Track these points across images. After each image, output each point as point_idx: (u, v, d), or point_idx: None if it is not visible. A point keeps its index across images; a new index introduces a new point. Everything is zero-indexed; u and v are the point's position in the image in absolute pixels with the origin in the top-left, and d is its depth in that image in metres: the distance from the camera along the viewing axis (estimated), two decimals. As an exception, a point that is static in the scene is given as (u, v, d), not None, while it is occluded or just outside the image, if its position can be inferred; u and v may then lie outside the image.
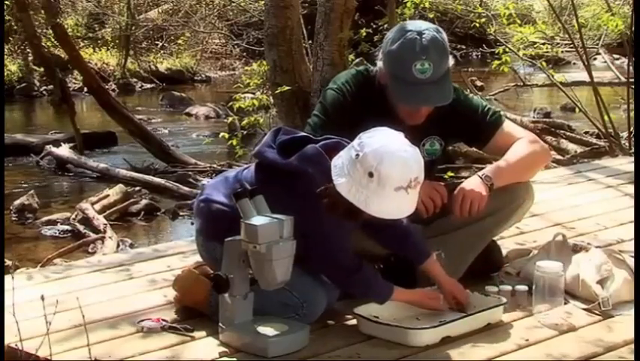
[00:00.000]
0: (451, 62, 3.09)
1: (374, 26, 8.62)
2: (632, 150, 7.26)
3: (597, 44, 11.38)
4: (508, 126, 3.23)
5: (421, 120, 3.07)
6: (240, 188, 2.75)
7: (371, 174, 2.50)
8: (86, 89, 12.20)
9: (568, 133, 9.13)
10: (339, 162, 2.59)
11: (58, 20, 10.96)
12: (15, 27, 12.68)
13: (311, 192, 2.61)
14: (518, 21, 8.85)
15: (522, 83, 10.09)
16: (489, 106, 3.26)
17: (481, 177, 3.06)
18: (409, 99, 3.01)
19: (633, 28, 7.00)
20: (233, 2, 16.71)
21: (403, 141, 2.58)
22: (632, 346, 2.69)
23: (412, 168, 2.54)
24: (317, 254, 2.73)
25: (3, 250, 5.32)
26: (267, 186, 2.72)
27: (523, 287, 3.03)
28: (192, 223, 6.52)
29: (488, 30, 9.77)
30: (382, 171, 2.49)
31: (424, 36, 2.98)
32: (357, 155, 2.54)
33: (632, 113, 7.99)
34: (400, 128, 2.70)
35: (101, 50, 17.15)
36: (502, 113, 3.27)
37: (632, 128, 7.77)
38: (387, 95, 3.07)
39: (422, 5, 8.06)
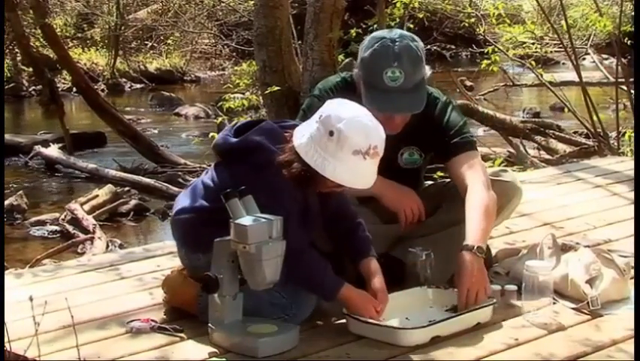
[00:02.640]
0: (429, 71, 3.08)
1: (364, 26, 8.62)
2: (621, 150, 7.29)
3: (586, 44, 11.41)
4: (476, 157, 3.15)
5: (397, 129, 3.05)
6: (212, 190, 2.73)
7: (331, 133, 2.53)
8: (75, 89, 12.17)
9: (557, 133, 9.12)
10: (302, 127, 2.63)
11: (46, 20, 10.91)
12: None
13: (268, 161, 2.61)
14: (507, 21, 8.86)
15: (511, 83, 10.09)
16: (468, 130, 3.21)
17: (476, 253, 2.89)
18: (378, 106, 2.98)
19: (633, 28, 7.00)
20: (223, 2, 16.71)
21: (369, 114, 2.61)
22: (621, 345, 2.71)
23: (373, 136, 2.56)
24: None
25: (3, 250, 5.30)
26: (229, 175, 2.71)
27: (513, 287, 3.03)
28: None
29: (477, 30, 9.77)
30: (343, 130, 2.52)
31: (397, 44, 2.99)
32: (321, 116, 2.57)
33: (620, 113, 8.02)
34: None
35: (90, 50, 17.12)
36: (475, 141, 3.21)
37: (620, 128, 7.80)
38: None
39: (412, 5, 8.06)
